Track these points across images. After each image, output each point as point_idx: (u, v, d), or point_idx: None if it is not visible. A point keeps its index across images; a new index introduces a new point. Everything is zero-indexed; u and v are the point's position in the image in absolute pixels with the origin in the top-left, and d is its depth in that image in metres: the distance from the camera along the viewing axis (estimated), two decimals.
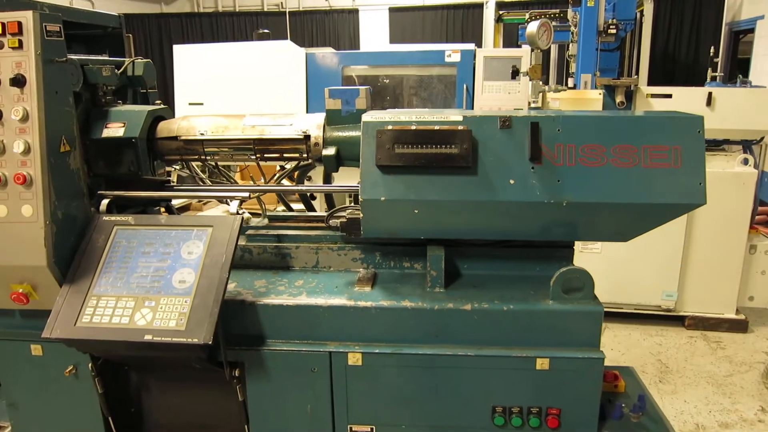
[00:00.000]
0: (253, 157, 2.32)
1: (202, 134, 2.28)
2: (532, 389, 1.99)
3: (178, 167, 2.96)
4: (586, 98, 4.93)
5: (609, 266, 4.83)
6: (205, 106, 5.35)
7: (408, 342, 2.01)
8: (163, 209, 2.70)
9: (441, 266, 2.07)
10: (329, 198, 2.51)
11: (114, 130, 2.28)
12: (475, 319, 1.98)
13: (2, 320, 2.19)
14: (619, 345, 4.71)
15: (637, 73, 7.89)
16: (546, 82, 9.35)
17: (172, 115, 2.48)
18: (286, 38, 8.33)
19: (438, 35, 10.49)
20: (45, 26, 1.91)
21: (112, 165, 2.33)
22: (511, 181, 1.89)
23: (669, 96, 4.67)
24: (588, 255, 4.83)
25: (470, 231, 2.06)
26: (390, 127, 1.92)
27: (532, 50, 3.39)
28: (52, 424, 2.26)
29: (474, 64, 4.88)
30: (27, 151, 1.90)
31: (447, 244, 2.15)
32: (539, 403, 2.00)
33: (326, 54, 5.30)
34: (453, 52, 4.91)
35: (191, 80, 5.44)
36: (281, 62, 5.24)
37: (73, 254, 2.01)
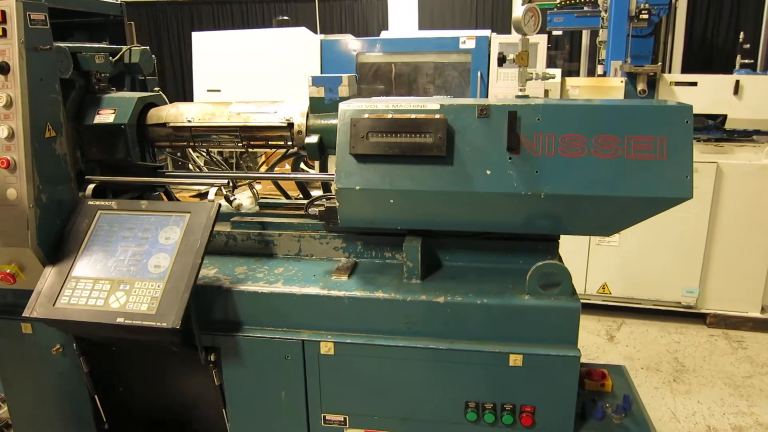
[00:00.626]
0: (240, 144, 2.33)
1: (189, 121, 2.30)
2: (505, 386, 1.96)
3: (197, 154, 2.98)
4: (606, 86, 4.80)
5: (627, 260, 4.72)
6: (223, 92, 5.41)
7: (380, 333, 2.00)
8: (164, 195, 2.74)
9: (417, 257, 2.04)
10: (325, 186, 2.51)
11: (105, 116, 2.33)
12: (448, 312, 1.95)
13: None
14: (634, 341, 4.59)
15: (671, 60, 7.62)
16: (577, 69, 9.09)
17: (165, 102, 2.51)
18: (316, 25, 8.33)
19: (468, 21, 10.32)
20: (29, 15, 1.94)
21: (104, 151, 2.38)
22: (488, 172, 1.86)
23: (694, 84, 4.51)
24: (605, 248, 4.73)
25: (448, 222, 2.02)
26: (365, 116, 1.90)
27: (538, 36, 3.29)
28: (43, 401, 2.34)
29: (489, 50, 4.80)
30: (11, 136, 1.94)
31: (428, 234, 2.13)
32: (513, 400, 1.97)
33: (341, 41, 5.27)
34: (468, 38, 4.82)
35: (209, 67, 5.50)
36: (297, 49, 5.25)
37: (58, 237, 2.06)
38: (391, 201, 1.93)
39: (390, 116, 1.89)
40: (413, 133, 1.86)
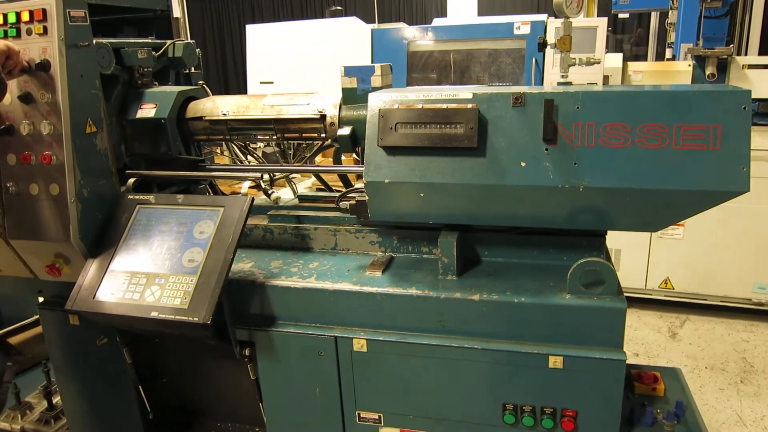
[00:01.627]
0: (275, 137, 2.32)
1: (224, 114, 2.30)
2: (545, 388, 1.86)
3: (262, 145, 2.97)
4: (671, 70, 4.54)
5: (692, 253, 4.46)
6: (276, 84, 5.44)
7: (414, 331, 1.94)
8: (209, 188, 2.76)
9: (452, 253, 1.97)
10: (344, 178, 2.48)
11: (147, 111, 2.35)
12: (483, 310, 1.87)
13: (47, 290, 2.36)
14: (699, 339, 4.35)
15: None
16: (645, 54, 8.64)
17: (207, 96, 2.52)
18: (374, 14, 8.28)
19: (529, 5, 10.01)
20: (68, 12, 1.98)
21: (147, 145, 2.41)
22: (523, 164, 1.76)
23: None
24: (668, 241, 4.49)
25: (481, 216, 1.93)
26: (394, 106, 1.84)
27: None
28: (91, 390, 2.41)
29: (545, 36, 4.60)
30: (53, 132, 1.99)
31: (465, 229, 2.05)
32: (553, 404, 1.87)
33: (392, 29, 5.19)
34: (522, 24, 4.64)
35: (263, 59, 5.54)
36: (348, 39, 5.21)
37: (100, 231, 2.11)
38: (422, 194, 1.86)
39: (420, 107, 1.82)
40: (443, 124, 1.79)
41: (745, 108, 1.64)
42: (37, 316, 2.96)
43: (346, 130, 2.10)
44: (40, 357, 3.10)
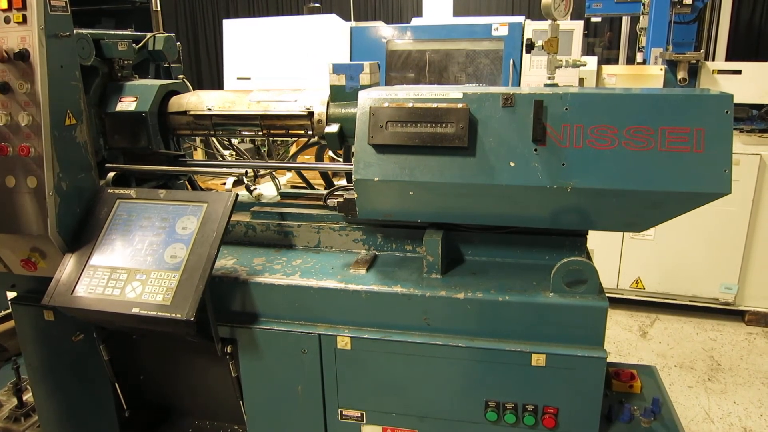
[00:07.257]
0: (261, 133, 2.30)
1: (209, 109, 2.27)
2: (527, 386, 1.88)
3: (237, 141, 2.94)
4: (644, 74, 4.63)
5: (662, 254, 4.57)
6: (253, 80, 5.39)
7: (398, 329, 1.94)
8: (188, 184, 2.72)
9: (437, 251, 1.98)
10: (349, 177, 2.47)
11: (127, 104, 2.31)
12: (467, 308, 1.88)
13: (21, 285, 2.30)
14: (668, 338, 4.45)
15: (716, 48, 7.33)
16: (616, 57, 8.80)
17: (188, 90, 2.49)
18: (350, 12, 8.25)
19: (504, 7, 10.11)
20: (49, 1, 1.93)
21: (126, 138, 2.37)
22: (512, 164, 1.78)
23: (738, 72, 4.31)
24: (639, 241, 4.58)
25: (470, 215, 1.95)
26: (385, 105, 1.84)
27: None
28: (65, 387, 2.36)
29: (522, 38, 4.66)
30: (31, 123, 1.94)
31: (450, 228, 2.07)
32: (535, 401, 1.90)
33: (371, 28, 5.19)
34: (500, 25, 4.68)
35: (240, 55, 5.48)
36: (327, 36, 5.19)
37: (78, 225, 2.06)
38: (411, 193, 1.87)
39: (410, 105, 1.82)
40: (434, 123, 1.80)
41: (727, 112, 1.68)
42: (9, 310, 2.89)
43: (333, 128, 2.09)
44: (17, 350, 3.03)
